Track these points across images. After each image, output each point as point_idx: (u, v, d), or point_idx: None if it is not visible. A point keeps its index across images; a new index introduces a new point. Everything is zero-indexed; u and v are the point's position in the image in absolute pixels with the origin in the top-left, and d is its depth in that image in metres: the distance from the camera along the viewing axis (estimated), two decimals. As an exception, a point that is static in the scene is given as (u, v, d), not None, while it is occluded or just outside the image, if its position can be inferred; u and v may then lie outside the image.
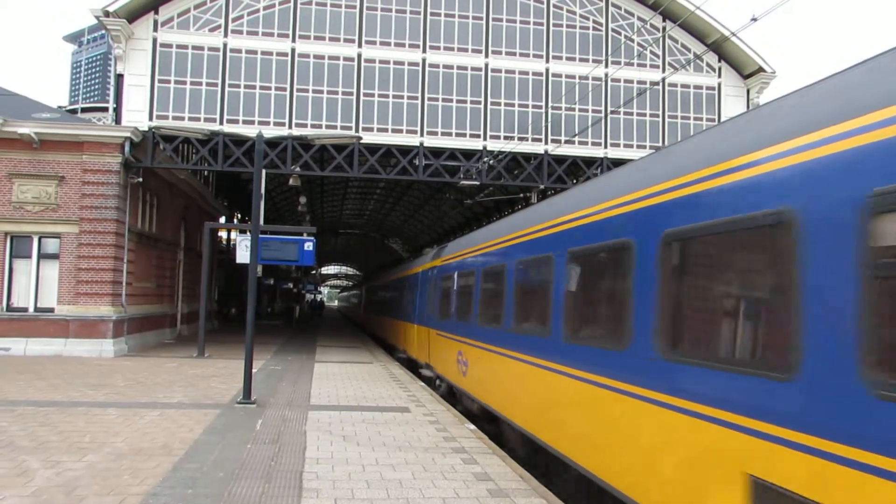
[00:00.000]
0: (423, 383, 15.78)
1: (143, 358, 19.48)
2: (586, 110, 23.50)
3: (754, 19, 10.85)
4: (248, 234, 18.29)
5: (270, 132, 20.18)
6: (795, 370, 3.79)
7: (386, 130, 22.54)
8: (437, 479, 7.33)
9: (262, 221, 13.48)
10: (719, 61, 24.57)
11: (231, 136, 20.63)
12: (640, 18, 24.22)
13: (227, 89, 21.69)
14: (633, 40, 24.02)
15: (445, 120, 22.93)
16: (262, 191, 14.25)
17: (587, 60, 23.70)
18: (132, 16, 21.03)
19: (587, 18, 24.13)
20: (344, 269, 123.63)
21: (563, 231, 7.51)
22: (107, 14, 20.35)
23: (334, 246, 77.78)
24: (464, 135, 23.02)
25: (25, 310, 19.88)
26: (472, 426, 10.57)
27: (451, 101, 23.01)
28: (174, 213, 26.90)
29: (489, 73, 23.29)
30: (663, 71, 24.10)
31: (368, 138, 21.80)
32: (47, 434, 8.94)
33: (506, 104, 23.34)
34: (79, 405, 11.27)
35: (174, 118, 21.21)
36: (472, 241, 12.77)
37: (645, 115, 24.11)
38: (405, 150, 22.61)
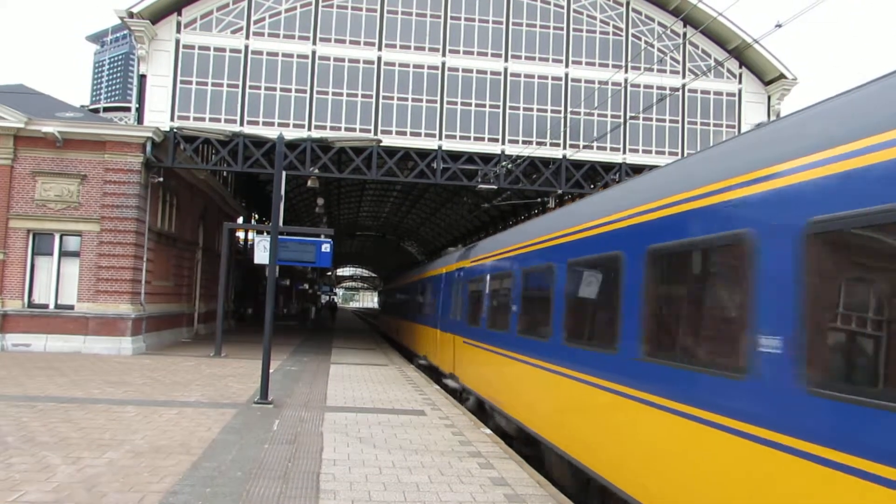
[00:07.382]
0: (438, 386, 15.77)
1: (160, 356, 19.64)
2: (605, 115, 23.37)
3: (779, 25, 10.75)
4: (267, 234, 18.39)
5: (290, 134, 20.30)
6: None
7: (404, 133, 22.58)
8: (453, 483, 7.32)
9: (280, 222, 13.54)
10: (740, 67, 24.36)
11: (251, 138, 20.79)
12: (660, 24, 24.09)
13: (247, 91, 21.85)
14: (653, 46, 23.88)
15: (464, 123, 22.93)
16: (283, 192, 14.31)
17: (607, 66, 23.61)
18: (156, 17, 21.26)
19: (607, 24, 24.04)
20: (359, 272, 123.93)
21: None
22: (131, 15, 20.58)
23: (350, 248, 77.97)
24: (482, 139, 23.00)
25: (46, 306, 20.13)
26: (488, 430, 10.54)
27: (469, 104, 23.00)
28: (193, 212, 27.12)
29: (508, 77, 23.26)
30: (683, 77, 23.95)
31: (387, 141, 21.83)
32: (68, 430, 9.04)
33: (524, 108, 23.30)
34: (98, 402, 11.39)
35: (195, 119, 21.40)
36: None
37: (664, 120, 23.96)
38: (423, 154, 22.65)
